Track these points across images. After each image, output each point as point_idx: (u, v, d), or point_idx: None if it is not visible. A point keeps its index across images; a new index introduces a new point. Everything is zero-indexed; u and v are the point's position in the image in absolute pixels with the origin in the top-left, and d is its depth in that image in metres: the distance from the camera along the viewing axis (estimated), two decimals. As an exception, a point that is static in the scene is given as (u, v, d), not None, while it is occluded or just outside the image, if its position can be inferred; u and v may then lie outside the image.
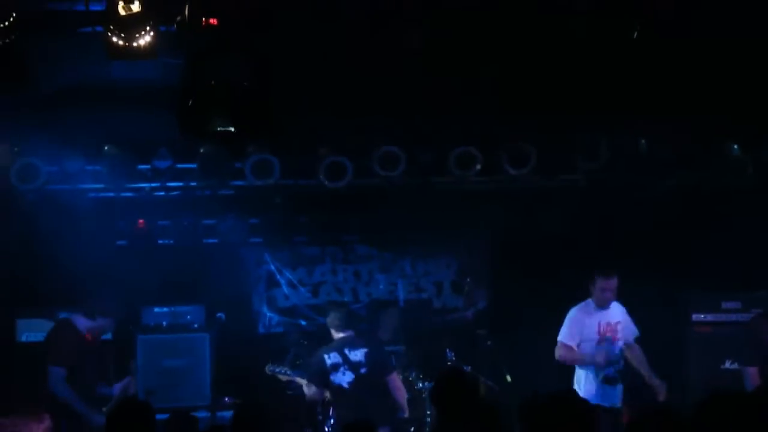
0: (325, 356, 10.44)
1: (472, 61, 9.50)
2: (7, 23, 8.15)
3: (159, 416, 6.70)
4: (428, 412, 11.50)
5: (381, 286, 13.92)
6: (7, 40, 8.20)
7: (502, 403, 10.36)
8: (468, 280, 11.49)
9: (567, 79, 9.91)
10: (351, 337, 10.59)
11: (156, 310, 12.38)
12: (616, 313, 10.43)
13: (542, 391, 6.28)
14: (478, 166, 11.54)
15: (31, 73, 8.73)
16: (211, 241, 12.93)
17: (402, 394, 10.64)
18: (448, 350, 11.83)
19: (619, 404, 10.24)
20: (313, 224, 12.97)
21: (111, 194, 12.00)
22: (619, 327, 10.37)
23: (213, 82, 8.57)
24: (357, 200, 12.21)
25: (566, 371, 10.46)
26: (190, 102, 8.66)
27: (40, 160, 11.32)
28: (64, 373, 9.55)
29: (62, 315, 10.54)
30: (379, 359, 10.61)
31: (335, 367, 10.39)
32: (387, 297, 13.83)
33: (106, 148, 11.43)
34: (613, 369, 10.24)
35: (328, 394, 10.59)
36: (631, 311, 10.55)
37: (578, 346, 10.30)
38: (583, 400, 6.12)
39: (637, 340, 10.56)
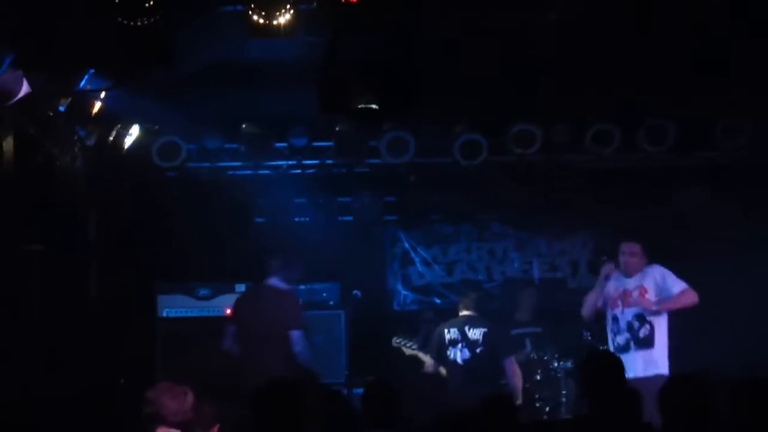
0: (445, 330, 10.81)
1: (611, 35, 9.36)
2: (149, 3, 8.28)
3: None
4: (563, 392, 11.43)
5: (515, 265, 13.81)
6: (150, 21, 8.32)
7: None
8: (604, 258, 11.24)
9: (708, 56, 9.70)
10: (474, 316, 10.85)
11: (292, 287, 12.46)
12: (643, 279, 10.00)
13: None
14: (616, 144, 11.40)
15: (172, 53, 8.84)
16: (346, 218, 12.99)
17: (518, 380, 10.78)
18: (584, 330, 11.69)
19: (636, 374, 9.35)
20: (447, 202, 12.90)
21: (248, 172, 12.16)
22: (635, 294, 9.94)
23: (354, 60, 8.61)
24: (492, 178, 12.14)
25: (703, 351, 10.28)
26: (331, 80, 8.71)
27: (180, 138, 11.55)
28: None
29: (202, 291, 10.69)
30: (498, 341, 10.79)
31: (453, 342, 10.73)
32: (521, 276, 13.72)
33: (243, 126, 11.58)
34: (623, 337, 9.91)
35: (443, 370, 10.74)
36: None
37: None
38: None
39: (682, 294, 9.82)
